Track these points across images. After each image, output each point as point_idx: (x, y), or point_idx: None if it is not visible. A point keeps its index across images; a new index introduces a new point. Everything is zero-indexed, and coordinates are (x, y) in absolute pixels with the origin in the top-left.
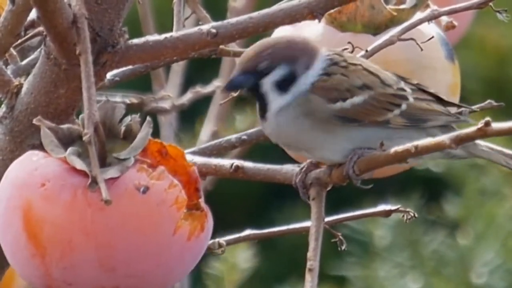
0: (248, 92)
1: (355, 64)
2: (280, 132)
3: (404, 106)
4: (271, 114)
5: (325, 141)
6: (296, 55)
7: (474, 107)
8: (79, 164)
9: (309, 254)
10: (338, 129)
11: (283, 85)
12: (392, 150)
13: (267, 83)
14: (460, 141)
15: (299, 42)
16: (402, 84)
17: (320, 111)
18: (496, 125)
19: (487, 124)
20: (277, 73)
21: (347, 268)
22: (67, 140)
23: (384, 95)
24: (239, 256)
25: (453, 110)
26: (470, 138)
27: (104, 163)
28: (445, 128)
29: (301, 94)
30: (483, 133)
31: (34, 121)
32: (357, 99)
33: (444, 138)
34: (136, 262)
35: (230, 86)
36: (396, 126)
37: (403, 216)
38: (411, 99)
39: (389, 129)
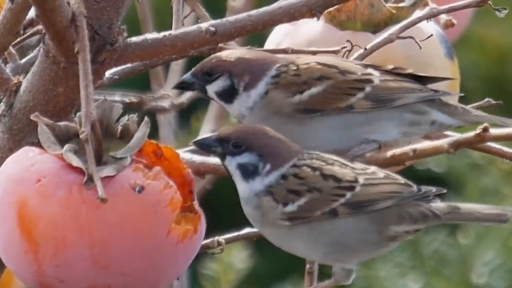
0: (200, 94)
1: (307, 63)
2: None
3: (368, 89)
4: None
5: (299, 134)
6: (243, 69)
7: (473, 105)
8: (76, 161)
9: None
10: (305, 121)
11: (224, 95)
12: (390, 153)
13: (211, 90)
14: (458, 146)
15: (252, 57)
16: (370, 70)
17: (285, 106)
18: (494, 131)
19: (485, 129)
20: (218, 84)
21: None
22: (64, 138)
23: (344, 82)
24: (235, 256)
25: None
26: (468, 143)
27: (100, 161)
28: (419, 105)
29: (259, 98)
30: (481, 139)
31: (32, 117)
32: (315, 90)
33: (442, 142)
34: (129, 261)
35: (178, 85)
36: (362, 110)
37: None
38: (376, 81)
39: (354, 113)
